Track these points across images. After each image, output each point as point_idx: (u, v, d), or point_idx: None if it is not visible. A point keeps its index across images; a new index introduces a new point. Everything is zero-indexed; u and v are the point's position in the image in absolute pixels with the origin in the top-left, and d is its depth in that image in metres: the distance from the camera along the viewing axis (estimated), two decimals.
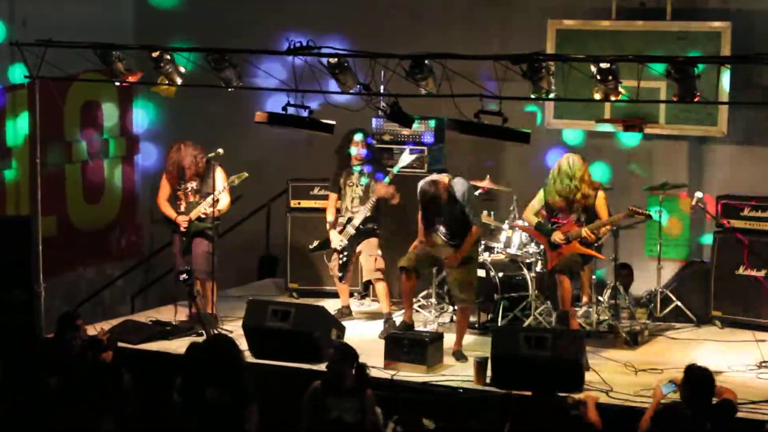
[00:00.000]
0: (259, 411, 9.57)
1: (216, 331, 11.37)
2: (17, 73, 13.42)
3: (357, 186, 12.57)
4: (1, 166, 14.08)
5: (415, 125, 11.97)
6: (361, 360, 11.08)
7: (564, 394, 9.38)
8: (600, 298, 12.27)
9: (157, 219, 13.70)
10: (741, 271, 12.51)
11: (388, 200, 12.43)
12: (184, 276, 11.37)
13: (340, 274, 12.66)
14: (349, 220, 12.52)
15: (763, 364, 11.10)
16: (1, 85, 13.92)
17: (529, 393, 9.65)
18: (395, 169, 12.39)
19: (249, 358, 11.23)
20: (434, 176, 11.44)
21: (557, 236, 11.63)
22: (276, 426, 9.81)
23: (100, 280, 15.34)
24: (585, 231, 11.50)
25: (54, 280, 13.44)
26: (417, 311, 12.52)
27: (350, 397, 9.31)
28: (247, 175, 12.26)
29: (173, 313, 12.44)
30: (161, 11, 15.54)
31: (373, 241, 12.54)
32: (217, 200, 12.22)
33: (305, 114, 11.09)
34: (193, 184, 12.37)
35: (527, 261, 12.38)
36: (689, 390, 8.70)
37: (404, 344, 10.96)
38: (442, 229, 11.50)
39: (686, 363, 9.10)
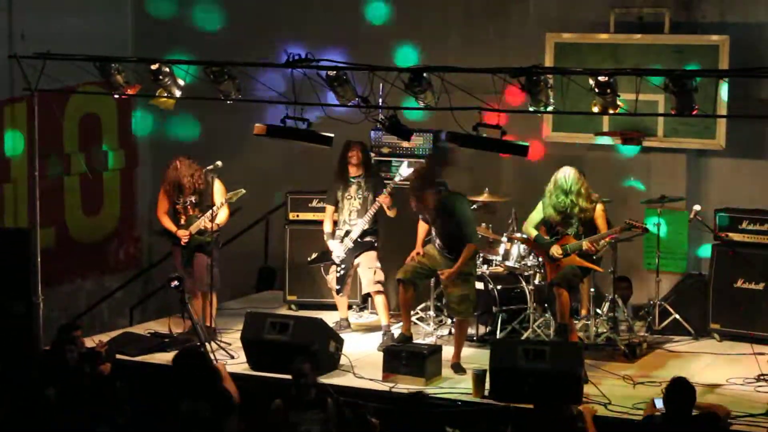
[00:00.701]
0: (253, 422, 9.62)
1: (190, 342, 11.36)
2: (16, 86, 13.43)
3: (355, 198, 12.56)
4: (0, 179, 14.08)
5: (414, 138, 11.96)
6: (357, 372, 11.14)
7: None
8: (599, 310, 12.27)
9: (156, 231, 13.70)
10: (739, 283, 12.51)
11: (386, 211, 12.42)
12: (175, 283, 11.41)
13: (337, 287, 12.65)
14: (347, 232, 12.52)
15: (762, 377, 11.10)
16: None
17: (529, 405, 9.63)
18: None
19: (247, 370, 11.27)
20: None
21: (555, 250, 11.63)
22: None
23: (98, 292, 15.34)
24: (586, 243, 11.50)
25: (52, 291, 13.44)
26: (415, 324, 12.52)
27: (314, 409, 9.36)
28: (244, 191, 12.26)
29: (173, 326, 12.40)
30: (160, 22, 15.55)
31: (372, 253, 12.53)
32: (216, 214, 12.22)
33: (304, 126, 11.10)
34: (191, 198, 12.38)
35: (526, 273, 12.38)
36: (668, 402, 8.77)
37: (402, 357, 10.97)
38: (437, 241, 11.51)
39: (684, 376, 9.13)
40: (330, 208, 12.75)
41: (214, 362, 10.44)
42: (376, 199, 12.35)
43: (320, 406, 9.45)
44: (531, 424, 9.20)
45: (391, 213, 12.42)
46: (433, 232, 11.57)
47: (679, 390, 8.80)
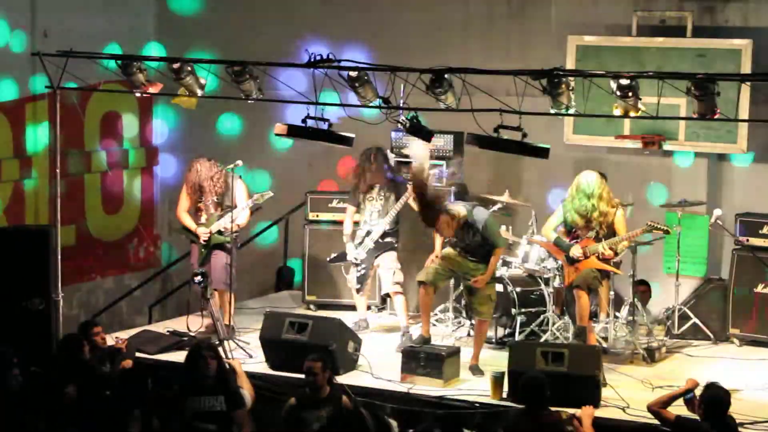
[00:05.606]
0: (269, 420, 9.65)
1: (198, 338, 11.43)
2: (38, 84, 13.48)
3: (376, 200, 12.57)
4: (22, 176, 14.13)
5: (434, 139, 11.93)
6: (375, 372, 11.13)
7: (556, 409, 9.31)
8: (617, 314, 12.24)
9: (175, 230, 13.74)
10: (759, 288, 12.48)
11: (410, 204, 12.31)
12: (198, 278, 11.45)
13: (357, 286, 12.66)
14: (368, 233, 12.52)
15: None
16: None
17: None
18: None
19: (265, 369, 11.28)
20: (450, 206, 11.35)
21: (575, 251, 11.62)
22: None
23: (117, 290, 15.36)
24: (603, 246, 11.50)
25: (72, 289, 13.47)
26: (434, 325, 12.51)
27: (327, 407, 9.38)
28: (272, 194, 12.28)
29: (191, 324, 12.40)
30: (182, 21, 15.57)
31: (392, 254, 12.53)
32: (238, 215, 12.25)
33: (324, 126, 11.10)
34: (213, 197, 12.40)
35: (545, 276, 12.36)
36: (708, 406, 8.76)
37: (421, 358, 10.97)
38: (458, 248, 11.46)
39: (703, 380, 9.11)
40: (351, 209, 12.76)
41: (230, 359, 10.50)
42: (393, 203, 12.35)
43: (333, 404, 9.46)
44: (517, 427, 9.18)
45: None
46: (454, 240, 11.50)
47: (718, 394, 8.81)
